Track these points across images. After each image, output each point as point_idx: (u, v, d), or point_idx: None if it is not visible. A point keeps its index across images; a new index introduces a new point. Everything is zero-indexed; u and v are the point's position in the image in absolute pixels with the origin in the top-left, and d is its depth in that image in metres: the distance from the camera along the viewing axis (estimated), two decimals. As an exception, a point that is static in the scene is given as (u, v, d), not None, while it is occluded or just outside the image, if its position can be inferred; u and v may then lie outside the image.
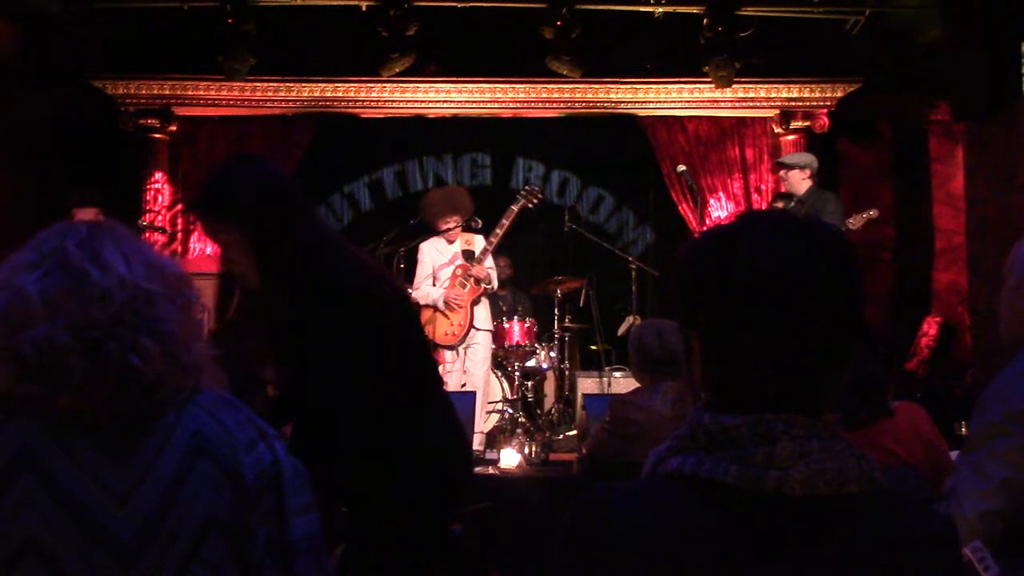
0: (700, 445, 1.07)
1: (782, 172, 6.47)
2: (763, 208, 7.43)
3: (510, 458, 4.49)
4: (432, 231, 6.10)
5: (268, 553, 1.38)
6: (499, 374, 6.72)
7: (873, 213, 6.09)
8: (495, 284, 6.24)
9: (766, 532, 1.03)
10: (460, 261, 6.11)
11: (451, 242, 6.13)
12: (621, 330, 7.07)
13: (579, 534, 1.06)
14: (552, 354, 6.84)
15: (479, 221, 5.99)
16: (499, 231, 6.10)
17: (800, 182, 6.34)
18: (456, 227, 6.07)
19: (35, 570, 1.25)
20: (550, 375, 7.08)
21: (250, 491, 1.36)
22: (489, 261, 6.11)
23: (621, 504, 1.07)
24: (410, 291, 6.06)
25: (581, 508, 1.08)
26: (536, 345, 6.67)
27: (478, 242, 6.17)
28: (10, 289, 1.31)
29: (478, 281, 6.05)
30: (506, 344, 6.51)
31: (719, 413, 1.08)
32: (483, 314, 6.16)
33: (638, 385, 3.42)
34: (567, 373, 7.09)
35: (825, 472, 1.03)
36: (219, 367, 1.43)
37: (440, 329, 6.07)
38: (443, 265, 6.12)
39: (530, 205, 6.19)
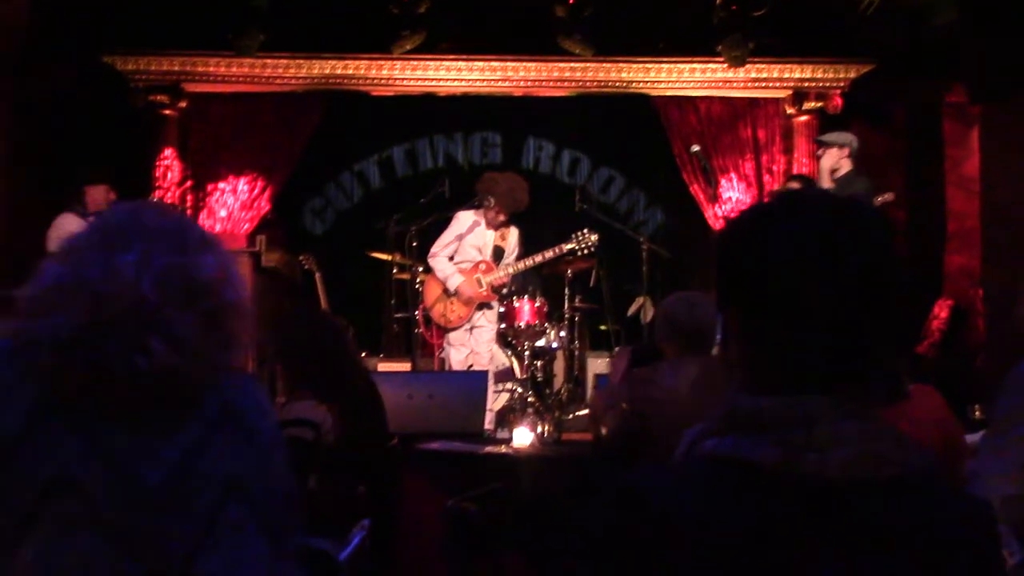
0: (737, 427, 1.06)
1: (820, 150, 6.18)
2: (776, 188, 7.41)
3: (523, 437, 4.48)
4: (475, 205, 6.07)
5: (285, 510, 1.47)
6: (508, 353, 6.72)
7: (889, 196, 5.91)
8: (502, 295, 6.26)
9: (803, 514, 1.02)
10: (490, 253, 6.10)
11: (490, 227, 6.12)
12: (631, 310, 7.07)
13: (615, 517, 1.06)
14: (562, 334, 6.82)
15: (491, 200, 5.96)
16: (533, 260, 6.12)
17: (837, 161, 5.97)
18: (504, 220, 6.07)
19: (69, 504, 1.30)
20: (560, 355, 7.07)
21: (268, 452, 1.47)
22: (509, 269, 6.12)
23: (657, 486, 1.07)
24: (431, 253, 6.11)
25: (616, 491, 1.07)
26: (546, 325, 6.65)
27: (512, 236, 6.18)
28: (42, 273, 1.39)
29: (493, 289, 6.06)
30: (516, 324, 6.50)
31: (756, 395, 1.07)
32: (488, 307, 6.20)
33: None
34: (577, 353, 7.09)
35: (864, 455, 1.02)
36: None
37: (446, 312, 6.08)
38: (472, 245, 6.11)
39: (579, 251, 6.20)
